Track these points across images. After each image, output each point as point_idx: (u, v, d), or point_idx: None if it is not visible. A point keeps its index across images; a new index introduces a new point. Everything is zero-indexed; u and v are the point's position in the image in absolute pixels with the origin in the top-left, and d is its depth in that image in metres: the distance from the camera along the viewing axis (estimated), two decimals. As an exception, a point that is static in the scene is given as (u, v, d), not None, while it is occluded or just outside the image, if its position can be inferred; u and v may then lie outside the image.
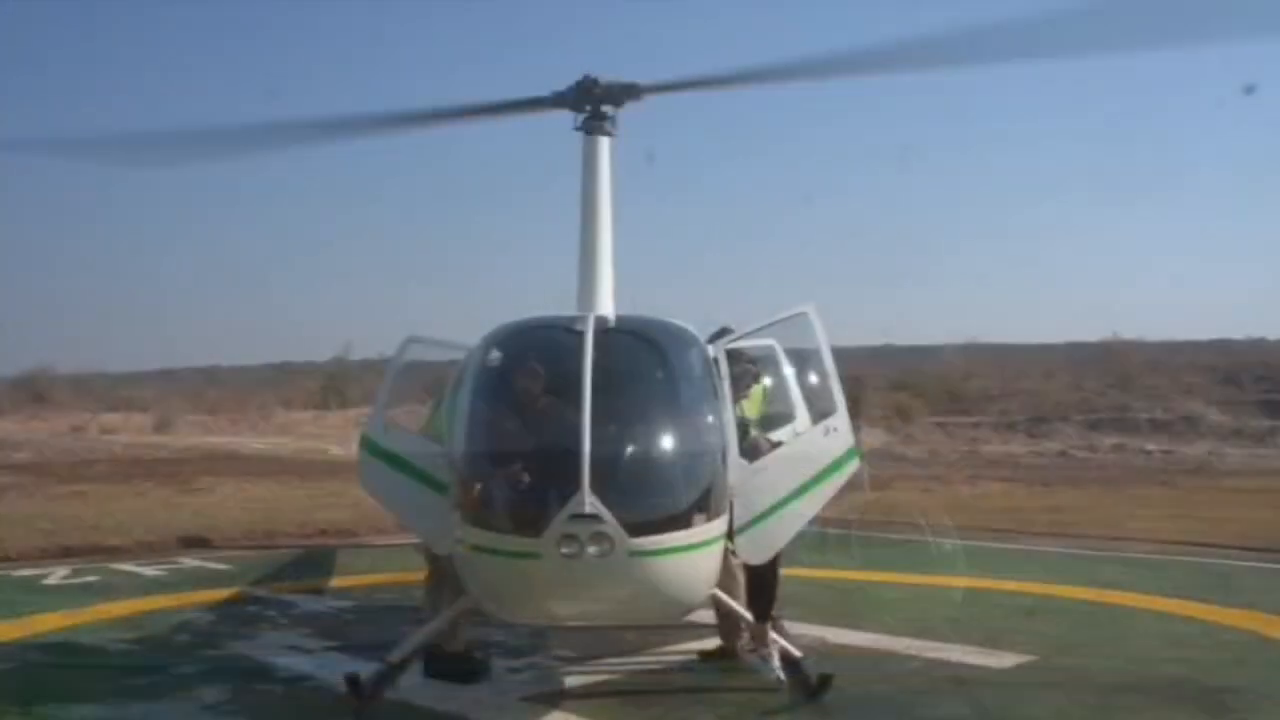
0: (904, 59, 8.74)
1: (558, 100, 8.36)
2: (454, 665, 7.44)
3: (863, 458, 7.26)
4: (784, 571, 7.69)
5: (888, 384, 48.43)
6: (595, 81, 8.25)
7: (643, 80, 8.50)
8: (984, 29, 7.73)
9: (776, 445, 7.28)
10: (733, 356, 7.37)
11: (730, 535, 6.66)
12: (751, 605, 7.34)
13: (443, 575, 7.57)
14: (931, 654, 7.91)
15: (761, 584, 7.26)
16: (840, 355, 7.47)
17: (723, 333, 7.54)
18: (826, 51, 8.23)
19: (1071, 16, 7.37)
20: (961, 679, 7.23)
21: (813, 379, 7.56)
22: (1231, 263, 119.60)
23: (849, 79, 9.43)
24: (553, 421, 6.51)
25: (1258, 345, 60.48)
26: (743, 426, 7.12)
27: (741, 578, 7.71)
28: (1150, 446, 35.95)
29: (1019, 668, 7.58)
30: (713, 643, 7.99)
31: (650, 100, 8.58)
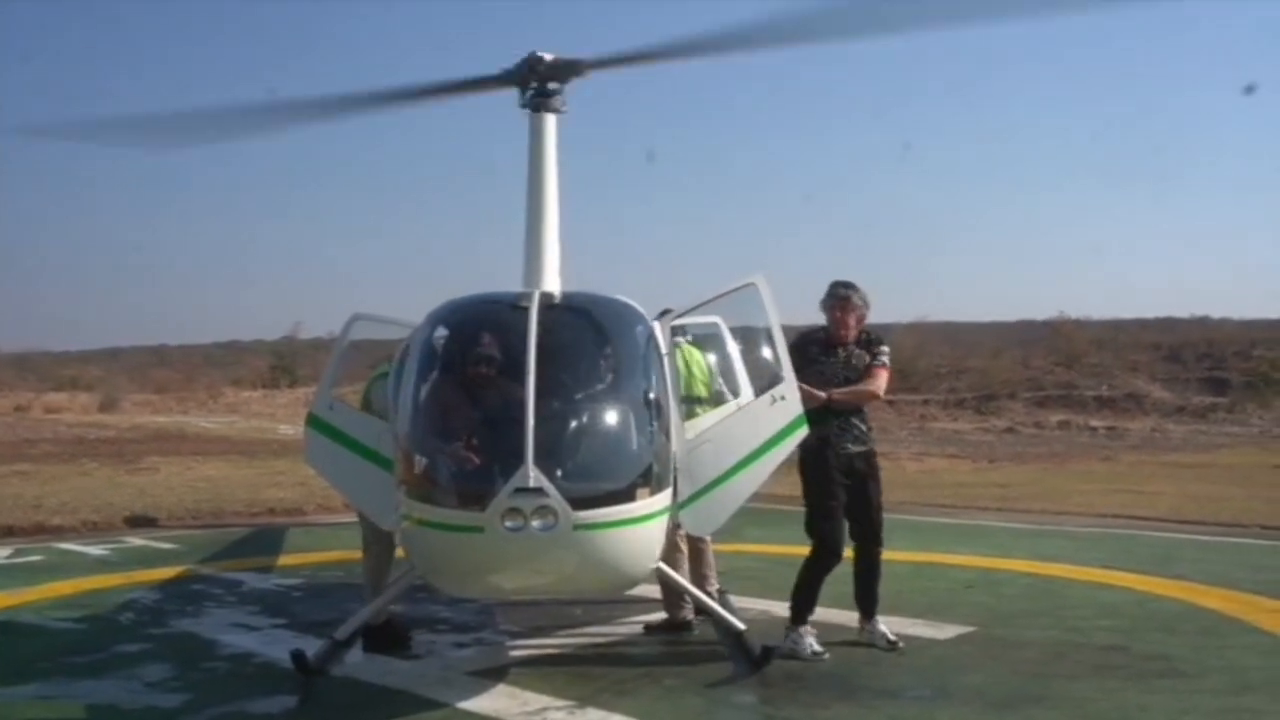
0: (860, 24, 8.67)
1: (503, 79, 8.34)
2: (382, 637, 7.52)
3: (810, 427, 7.33)
4: (730, 546, 7.78)
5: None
6: (540, 59, 8.23)
7: (587, 56, 8.48)
8: None
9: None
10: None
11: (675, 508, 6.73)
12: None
13: (383, 551, 7.61)
14: (873, 626, 8.03)
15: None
16: (792, 333, 7.54)
17: (667, 314, 7.59)
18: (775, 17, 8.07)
19: None
20: (902, 650, 7.35)
21: (763, 351, 7.61)
22: (1175, 242, 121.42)
23: (798, 45, 9.31)
24: (497, 396, 6.53)
25: (1201, 323, 61.42)
26: None
27: (686, 551, 7.81)
28: (1095, 423, 36.57)
29: (959, 638, 7.71)
30: (658, 616, 8.07)
31: (599, 77, 8.58)
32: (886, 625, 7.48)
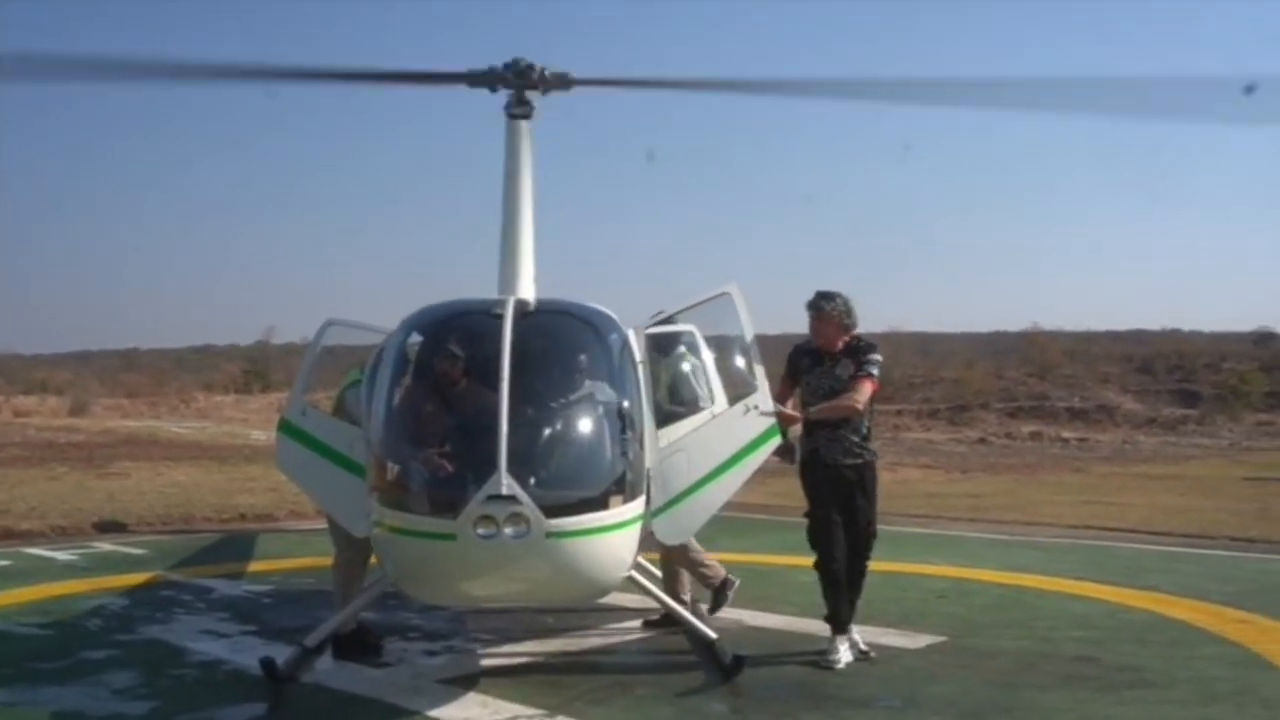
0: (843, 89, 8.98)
1: (485, 77, 8.30)
2: (352, 644, 7.50)
3: (785, 435, 7.35)
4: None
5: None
6: (526, 66, 8.22)
7: (576, 72, 8.49)
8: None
9: None
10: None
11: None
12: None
13: (354, 558, 7.57)
14: (845, 635, 8.04)
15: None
16: (767, 343, 7.56)
17: (658, 315, 7.63)
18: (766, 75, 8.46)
19: None
20: (874, 659, 7.37)
21: (736, 360, 7.62)
22: (1147, 255, 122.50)
23: (785, 98, 9.71)
24: (470, 403, 6.52)
25: (1172, 336, 62.20)
26: None
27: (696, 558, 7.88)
28: (1067, 434, 36.89)
29: (930, 648, 7.73)
30: (629, 625, 8.09)
31: (580, 93, 8.61)
32: (858, 634, 7.49)
